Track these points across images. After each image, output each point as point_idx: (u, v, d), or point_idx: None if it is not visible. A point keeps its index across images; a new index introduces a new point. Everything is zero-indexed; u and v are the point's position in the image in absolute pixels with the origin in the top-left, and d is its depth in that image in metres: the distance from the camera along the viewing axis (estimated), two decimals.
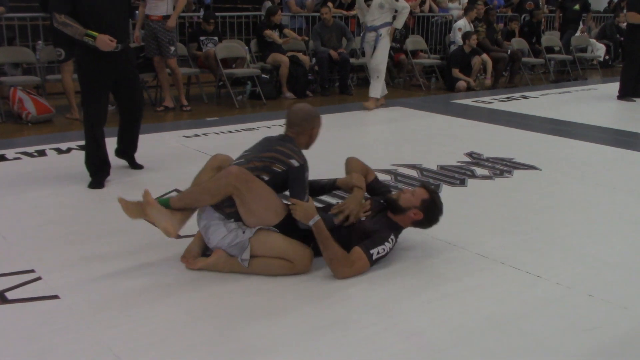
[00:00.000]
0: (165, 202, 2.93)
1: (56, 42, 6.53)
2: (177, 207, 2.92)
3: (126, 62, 4.36)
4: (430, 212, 3.11)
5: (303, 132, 3.08)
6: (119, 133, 4.67)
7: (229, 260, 2.92)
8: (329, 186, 3.33)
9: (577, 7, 10.41)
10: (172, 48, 7.22)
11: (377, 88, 7.48)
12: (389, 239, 3.01)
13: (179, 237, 3.02)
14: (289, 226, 2.93)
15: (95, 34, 4.02)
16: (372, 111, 7.40)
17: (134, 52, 4.71)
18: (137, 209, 2.91)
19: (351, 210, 3.03)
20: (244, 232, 2.88)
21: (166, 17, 7.10)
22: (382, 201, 3.20)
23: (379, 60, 7.44)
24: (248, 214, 2.86)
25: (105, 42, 4.04)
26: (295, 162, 2.91)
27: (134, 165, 4.74)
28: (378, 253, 2.95)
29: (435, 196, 3.17)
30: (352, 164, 3.37)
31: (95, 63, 4.16)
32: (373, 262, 2.96)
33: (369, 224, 3.06)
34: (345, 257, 2.89)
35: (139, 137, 4.72)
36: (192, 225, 3.08)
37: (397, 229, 3.12)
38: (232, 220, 2.89)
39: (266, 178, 2.89)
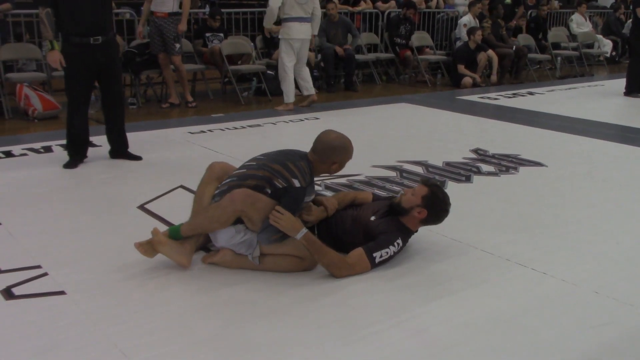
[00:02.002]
0: (176, 232, 2.96)
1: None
2: (187, 235, 2.95)
3: (107, 55, 4.51)
4: (434, 207, 3.06)
5: (323, 161, 2.99)
6: (107, 133, 4.82)
7: (236, 257, 2.93)
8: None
9: (508, 0, 10.31)
10: (177, 45, 7.24)
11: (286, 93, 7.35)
12: (395, 243, 2.98)
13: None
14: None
15: (56, 46, 4.36)
16: (374, 108, 7.42)
17: (117, 46, 4.91)
18: (151, 249, 2.93)
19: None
20: (252, 233, 2.89)
21: (172, 14, 7.11)
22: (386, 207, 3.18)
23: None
24: (254, 226, 2.88)
25: (53, 59, 4.40)
26: (297, 183, 2.86)
27: (132, 158, 4.83)
28: (381, 256, 2.93)
29: (436, 189, 3.10)
30: (341, 196, 3.35)
31: (74, 53, 4.40)
32: (375, 265, 2.93)
33: (379, 225, 3.03)
34: (342, 261, 2.88)
35: (125, 132, 4.84)
36: None
37: (407, 233, 3.09)
38: (239, 223, 2.90)
39: (269, 191, 2.86)
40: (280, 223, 2.78)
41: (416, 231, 3.15)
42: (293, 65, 7.24)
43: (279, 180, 2.86)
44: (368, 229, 3.02)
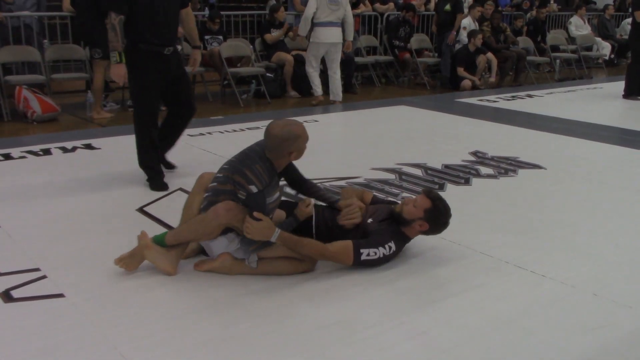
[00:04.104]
0: (160, 240, 2.95)
1: (92, 42, 6.57)
2: (172, 244, 2.94)
3: (179, 65, 4.32)
4: (435, 221, 3.05)
5: (281, 156, 2.90)
6: (160, 138, 4.39)
7: (236, 263, 2.93)
8: (330, 202, 3.23)
9: (447, 7, 9.96)
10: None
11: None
12: (386, 246, 2.95)
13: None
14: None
15: (123, 59, 4.03)
16: (373, 110, 7.43)
17: (182, 54, 4.57)
18: (136, 259, 2.92)
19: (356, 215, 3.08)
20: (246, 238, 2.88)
21: None
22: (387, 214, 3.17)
23: None
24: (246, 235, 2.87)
25: (117, 73, 4.12)
26: (254, 188, 2.78)
27: (167, 165, 4.58)
28: (368, 255, 2.90)
29: (438, 202, 3.05)
30: (347, 192, 3.37)
31: (149, 64, 4.07)
32: (359, 262, 2.90)
33: (376, 229, 3.03)
34: (324, 248, 2.87)
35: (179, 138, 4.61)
36: None
37: (403, 240, 3.08)
38: (229, 232, 2.90)
39: (243, 197, 2.83)
40: (251, 233, 2.76)
41: (413, 238, 3.15)
42: (318, 66, 7.75)
43: (240, 192, 2.82)
44: (366, 232, 3.02)
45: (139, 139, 4.23)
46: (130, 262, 2.91)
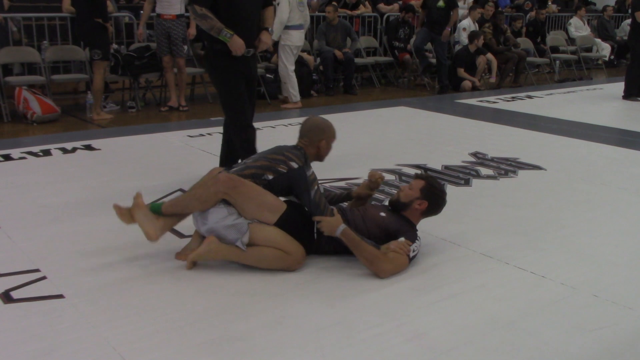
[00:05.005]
0: (156, 207, 3.03)
1: (92, 43, 6.59)
2: (168, 212, 3.02)
3: (255, 67, 4.27)
4: (433, 197, 3.15)
5: (311, 143, 3.15)
6: (226, 144, 4.28)
7: (221, 246, 2.93)
8: (344, 197, 3.42)
9: (441, 3, 8.98)
10: (185, 47, 7.31)
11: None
12: (418, 237, 3.08)
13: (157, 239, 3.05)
14: (288, 223, 2.96)
15: (232, 32, 3.81)
16: (373, 111, 7.44)
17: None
18: (128, 213, 3.03)
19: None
20: (245, 217, 2.93)
21: (180, 16, 7.16)
22: (388, 206, 3.25)
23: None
24: (242, 212, 2.94)
25: (239, 44, 3.85)
26: (294, 164, 2.99)
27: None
28: (413, 251, 3.01)
29: (432, 180, 3.23)
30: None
31: (232, 63, 3.95)
32: (410, 259, 3.00)
33: (389, 222, 3.09)
34: (383, 255, 2.92)
35: None
36: (190, 226, 3.10)
37: (415, 228, 3.16)
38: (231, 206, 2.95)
39: (270, 177, 2.98)
40: (323, 229, 2.91)
41: (417, 224, 3.21)
42: (294, 69, 7.74)
43: (280, 166, 3.00)
44: (384, 225, 3.07)
45: (236, 140, 4.08)
46: (125, 215, 3.04)
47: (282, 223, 2.95)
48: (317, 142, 3.16)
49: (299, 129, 3.23)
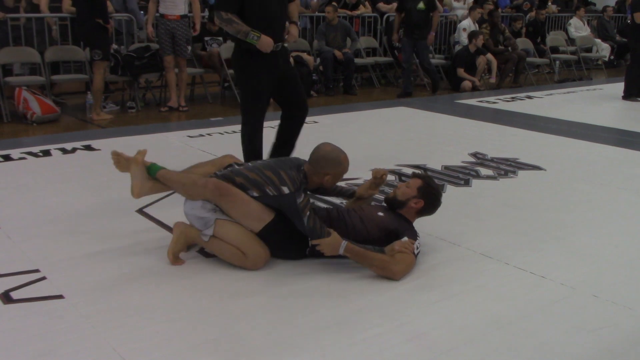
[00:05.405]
0: (153, 171, 3.16)
1: (92, 43, 6.61)
2: (160, 180, 3.14)
3: (286, 60, 4.22)
4: (429, 197, 3.17)
5: (316, 172, 3.03)
6: (277, 147, 4.35)
7: (188, 228, 3.03)
8: (348, 195, 3.40)
9: (421, 5, 8.56)
10: (189, 47, 7.33)
11: None
12: (418, 234, 3.09)
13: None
14: (276, 232, 2.98)
15: (259, 33, 3.83)
16: (373, 111, 7.41)
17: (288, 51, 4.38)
18: (126, 164, 3.18)
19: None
20: (214, 212, 2.96)
21: (183, 17, 7.18)
22: (383, 204, 3.26)
23: None
24: (228, 216, 2.97)
25: (268, 43, 3.86)
26: (286, 189, 2.90)
27: None
28: (417, 247, 3.02)
29: (429, 180, 3.25)
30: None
31: (259, 65, 3.96)
32: (415, 256, 3.01)
33: (388, 221, 3.09)
34: (391, 258, 2.91)
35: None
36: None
37: (412, 225, 3.17)
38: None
39: (255, 194, 2.95)
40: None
41: (413, 222, 3.21)
42: None
43: (269, 187, 2.93)
44: (383, 225, 3.07)
45: (245, 148, 4.21)
46: (121, 162, 3.22)
47: (268, 232, 2.95)
48: (322, 174, 3.03)
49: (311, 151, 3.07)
